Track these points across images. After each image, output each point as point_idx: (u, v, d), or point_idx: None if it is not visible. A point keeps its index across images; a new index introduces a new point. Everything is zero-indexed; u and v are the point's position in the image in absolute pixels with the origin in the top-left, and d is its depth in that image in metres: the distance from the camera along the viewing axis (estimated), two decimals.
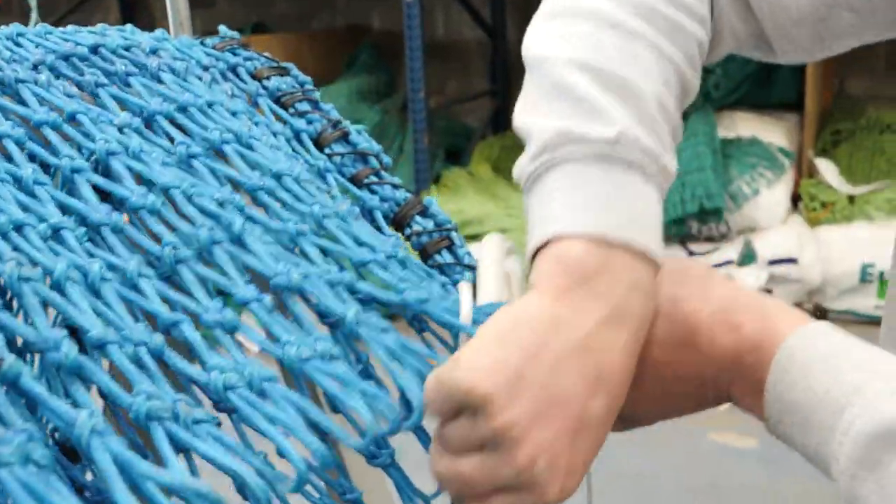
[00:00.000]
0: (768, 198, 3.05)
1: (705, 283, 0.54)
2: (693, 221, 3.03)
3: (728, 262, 3.04)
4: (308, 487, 0.49)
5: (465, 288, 0.60)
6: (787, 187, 3.13)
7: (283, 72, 0.82)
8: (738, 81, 3.31)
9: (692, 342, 0.53)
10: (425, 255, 0.73)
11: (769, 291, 3.05)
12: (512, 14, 4.26)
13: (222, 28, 0.86)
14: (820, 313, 2.91)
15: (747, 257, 3.02)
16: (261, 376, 0.39)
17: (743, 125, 3.23)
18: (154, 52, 0.72)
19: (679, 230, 3.04)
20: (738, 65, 3.23)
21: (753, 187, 3.05)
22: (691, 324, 0.53)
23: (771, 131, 3.22)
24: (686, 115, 2.96)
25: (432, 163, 3.62)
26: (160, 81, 0.69)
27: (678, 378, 0.54)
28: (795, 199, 3.19)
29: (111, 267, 0.46)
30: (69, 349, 0.39)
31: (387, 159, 0.79)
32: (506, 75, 4.25)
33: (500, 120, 4.16)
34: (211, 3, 4.73)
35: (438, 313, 0.60)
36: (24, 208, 0.49)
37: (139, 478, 0.33)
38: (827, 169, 3.21)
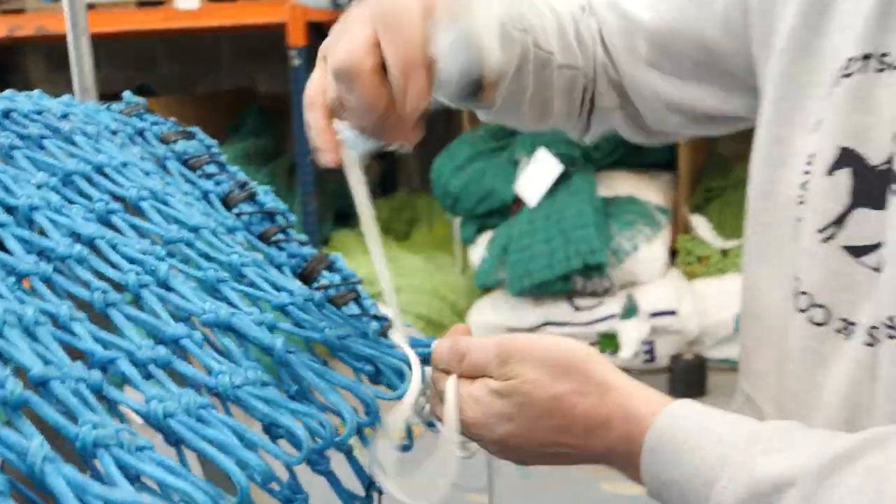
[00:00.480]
0: (647, 253, 3.20)
1: (582, 378, 0.61)
2: (578, 277, 3.15)
3: (612, 316, 3.17)
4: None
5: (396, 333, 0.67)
6: (665, 243, 3.29)
7: (189, 136, 0.86)
8: (616, 144, 3.48)
9: (571, 433, 0.61)
10: (334, 302, 0.78)
11: (651, 343, 3.20)
12: None
13: (126, 94, 0.90)
14: (699, 362, 3.05)
15: (630, 311, 3.16)
16: (197, 404, 0.43)
17: (621, 185, 3.39)
18: (65, 116, 0.76)
19: (565, 286, 3.15)
20: None
21: (633, 243, 3.20)
22: (569, 420, 0.61)
23: (647, 190, 3.39)
24: (568, 176, 3.11)
25: (321, 224, 3.66)
26: (74, 144, 0.72)
27: (562, 456, 0.62)
28: (673, 254, 3.36)
29: (44, 312, 0.50)
30: (14, 386, 0.42)
31: (292, 217, 0.84)
32: None
33: (388, 182, 4.24)
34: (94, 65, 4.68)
35: (358, 347, 0.65)
36: None
37: (92, 498, 0.37)
38: (701, 225, 3.40)
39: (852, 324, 0.63)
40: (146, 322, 0.53)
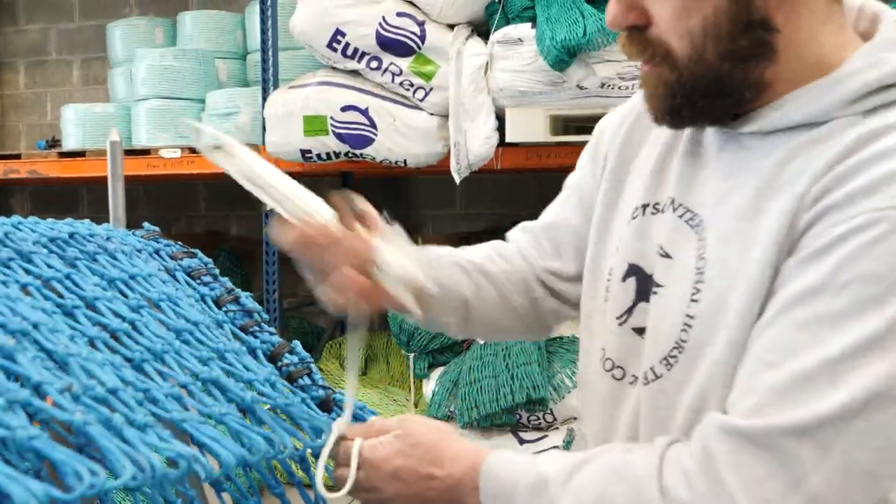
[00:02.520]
0: None
1: (453, 432, 0.95)
2: (522, 411, 3.45)
3: (555, 447, 3.45)
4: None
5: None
6: None
7: (192, 255, 1.20)
8: None
9: (442, 465, 0.95)
10: (291, 379, 1.10)
11: None
12: None
13: (146, 224, 1.24)
14: None
15: (571, 443, 3.44)
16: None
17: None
18: (109, 238, 1.09)
19: (510, 419, 3.44)
20: None
21: (574, 380, 3.52)
22: (442, 454, 0.96)
23: None
24: None
25: None
26: (115, 258, 1.06)
27: (433, 487, 0.96)
28: None
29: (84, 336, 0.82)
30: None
31: (265, 316, 1.16)
32: None
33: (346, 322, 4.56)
34: (73, 207, 5.06)
35: (298, 412, 0.97)
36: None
37: None
38: None
39: (636, 377, 0.98)
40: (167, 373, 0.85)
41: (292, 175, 3.48)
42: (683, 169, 0.99)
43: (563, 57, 3.26)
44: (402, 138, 3.62)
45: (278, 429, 0.89)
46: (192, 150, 4.13)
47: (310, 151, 3.72)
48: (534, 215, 1.28)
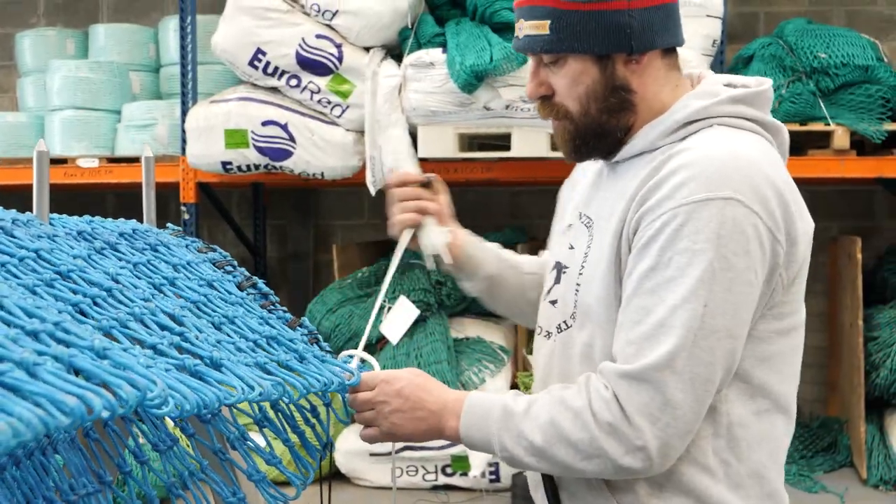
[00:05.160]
0: (492, 386, 3.89)
1: (425, 384, 1.34)
2: None
3: None
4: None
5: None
6: (507, 377, 4.00)
7: (213, 249, 1.50)
8: (466, 294, 4.24)
9: (431, 391, 1.35)
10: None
11: (496, 465, 3.84)
12: (271, 235, 5.05)
13: (170, 224, 1.53)
14: None
15: None
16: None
17: (470, 328, 4.12)
18: (157, 234, 1.39)
19: None
20: None
21: (480, 377, 3.90)
22: (430, 383, 1.35)
23: (492, 333, 4.13)
24: (425, 319, 3.84)
25: None
26: (170, 248, 1.35)
27: (422, 413, 1.33)
28: (514, 387, 4.07)
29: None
30: None
31: (275, 298, 1.48)
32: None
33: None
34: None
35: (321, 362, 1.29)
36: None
37: None
38: None
39: (550, 332, 1.37)
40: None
41: (209, 185, 3.74)
42: (588, 190, 1.45)
43: (472, 81, 3.64)
44: (319, 152, 3.94)
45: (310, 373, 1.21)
46: (110, 160, 4.33)
47: (230, 163, 3.99)
48: None
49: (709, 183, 1.21)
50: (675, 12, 1.36)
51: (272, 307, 1.44)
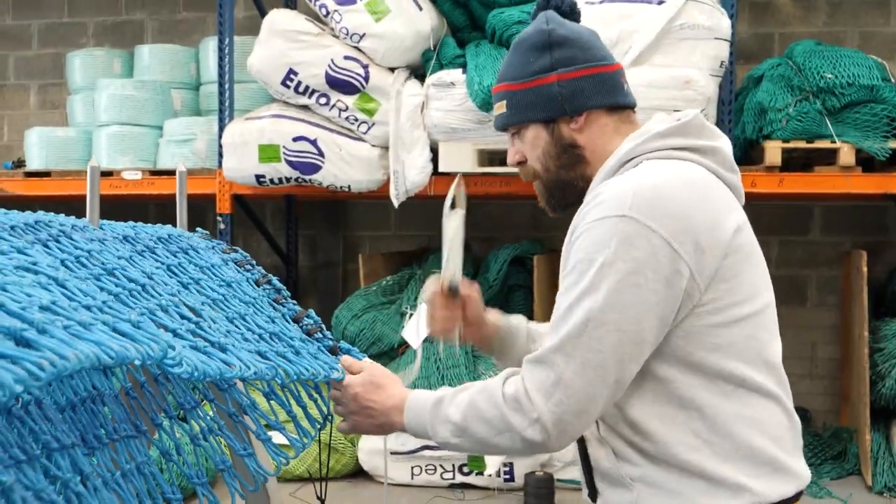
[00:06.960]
0: None
1: (363, 398, 1.60)
2: None
3: None
4: None
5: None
6: None
7: (235, 251, 1.78)
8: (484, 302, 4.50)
9: (385, 390, 1.61)
10: (310, 333, 1.69)
11: (511, 464, 4.08)
12: (302, 245, 5.35)
13: (199, 228, 1.81)
14: (548, 477, 3.94)
15: None
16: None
17: None
18: (185, 237, 1.67)
19: None
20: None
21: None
22: (385, 381, 1.63)
23: None
24: None
25: None
26: (198, 252, 1.63)
27: (373, 410, 1.60)
28: None
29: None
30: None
31: (287, 293, 1.75)
32: (296, 294, 5.26)
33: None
34: None
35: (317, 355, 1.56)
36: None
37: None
38: None
39: None
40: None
41: (243, 197, 4.07)
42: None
43: (489, 100, 3.91)
44: (346, 166, 4.23)
45: (311, 361, 1.48)
46: (152, 173, 4.66)
47: (263, 176, 4.30)
48: None
49: (609, 206, 1.44)
50: (609, 78, 1.62)
51: (283, 301, 1.72)
